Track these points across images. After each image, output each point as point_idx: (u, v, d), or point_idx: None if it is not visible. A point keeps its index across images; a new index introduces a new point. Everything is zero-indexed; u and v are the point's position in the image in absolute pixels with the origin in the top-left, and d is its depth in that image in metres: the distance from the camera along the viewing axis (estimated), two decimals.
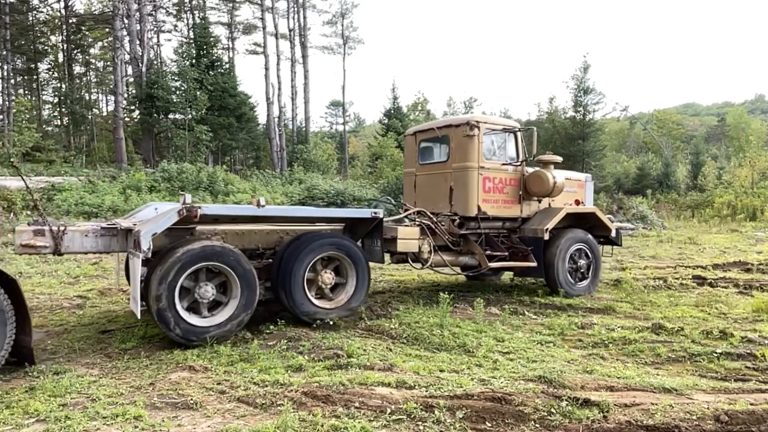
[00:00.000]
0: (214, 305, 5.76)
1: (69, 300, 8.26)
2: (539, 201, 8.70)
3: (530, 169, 8.61)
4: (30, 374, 4.82)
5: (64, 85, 41.85)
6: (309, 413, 3.89)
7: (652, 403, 4.08)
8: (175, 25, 45.60)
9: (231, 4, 43.76)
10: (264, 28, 39.46)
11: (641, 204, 25.00)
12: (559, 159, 8.55)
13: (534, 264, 8.15)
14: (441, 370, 4.93)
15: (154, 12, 38.41)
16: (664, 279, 9.87)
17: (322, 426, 3.67)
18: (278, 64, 38.61)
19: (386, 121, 43.87)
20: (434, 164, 8.78)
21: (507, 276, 10.32)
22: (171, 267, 5.31)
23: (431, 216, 7.90)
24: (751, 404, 4.07)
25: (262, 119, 39.93)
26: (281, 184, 26.26)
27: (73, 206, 16.77)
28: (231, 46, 45.63)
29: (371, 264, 7.08)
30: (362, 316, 6.90)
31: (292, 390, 4.35)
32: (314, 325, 6.50)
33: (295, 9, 40.55)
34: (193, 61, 31.64)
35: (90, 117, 40.68)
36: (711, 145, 55.10)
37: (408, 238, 7.33)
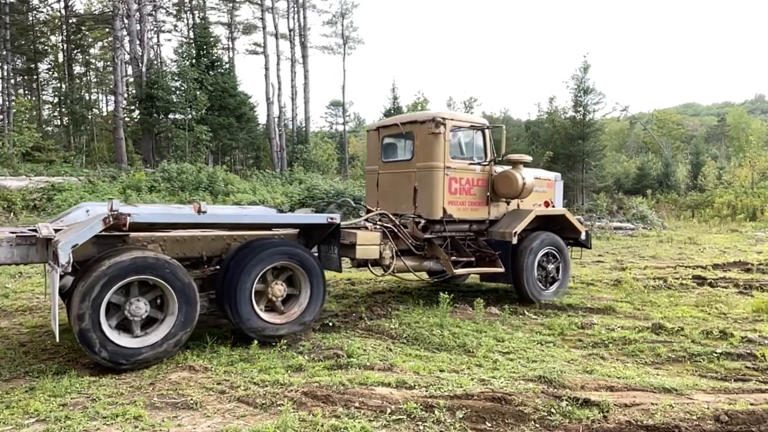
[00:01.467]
0: (149, 322, 5.15)
1: None
2: (508, 202, 8.30)
3: (499, 169, 8.17)
4: (30, 374, 4.82)
5: (64, 85, 41.84)
6: (309, 413, 3.89)
7: (652, 403, 4.08)
8: (175, 25, 45.61)
9: (231, 4, 43.76)
10: (264, 28, 39.47)
11: (641, 204, 25.00)
12: (529, 158, 8.19)
13: (501, 269, 7.74)
14: (441, 370, 4.93)
15: (154, 12, 38.41)
16: (664, 279, 9.86)
17: (322, 426, 3.67)
18: (278, 64, 38.63)
19: None
20: (398, 162, 8.25)
21: (473, 278, 10.29)
22: (95, 282, 4.69)
23: (393, 219, 7.41)
24: (751, 404, 4.07)
25: (262, 119, 39.96)
26: (281, 184, 26.27)
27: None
28: (231, 46, 45.63)
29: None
30: (362, 316, 6.91)
31: (292, 390, 4.36)
32: (314, 326, 6.51)
33: (295, 9, 40.57)
34: (193, 61, 31.63)
35: (90, 117, 40.67)
36: (711, 145, 55.11)
37: (368, 243, 6.82)
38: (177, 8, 43.56)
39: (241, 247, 5.81)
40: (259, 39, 42.15)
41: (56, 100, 41.28)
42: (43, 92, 43.81)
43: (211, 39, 34.15)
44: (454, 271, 7.49)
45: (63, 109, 39.80)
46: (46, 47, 41.88)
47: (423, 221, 7.59)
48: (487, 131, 7.99)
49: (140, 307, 5.01)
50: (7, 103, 33.07)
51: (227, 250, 5.92)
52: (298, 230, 6.60)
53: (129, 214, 4.89)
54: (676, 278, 9.88)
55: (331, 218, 6.23)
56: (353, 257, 6.86)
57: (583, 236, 8.81)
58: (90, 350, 4.71)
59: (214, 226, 5.94)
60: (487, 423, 3.82)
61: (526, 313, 7.45)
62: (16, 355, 5.37)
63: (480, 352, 5.52)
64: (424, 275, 8.68)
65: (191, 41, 34.89)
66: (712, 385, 4.64)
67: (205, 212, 5.52)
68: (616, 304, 7.84)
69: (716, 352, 5.46)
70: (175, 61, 35.12)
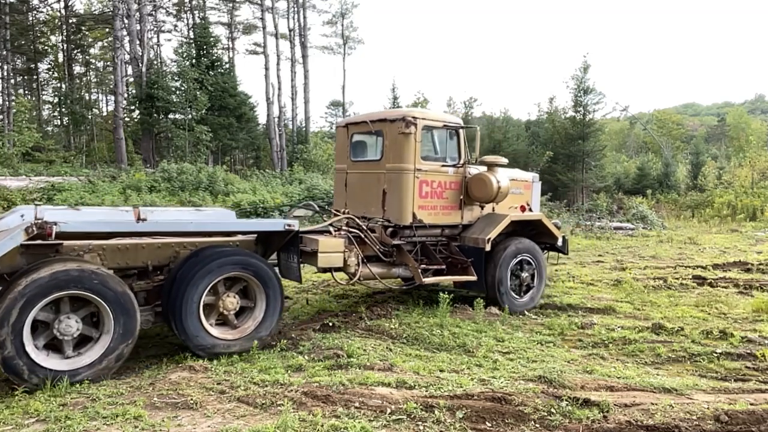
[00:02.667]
0: (85, 340, 4.73)
1: None
2: (482, 206, 7.89)
3: (473, 171, 7.75)
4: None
5: (64, 85, 41.85)
6: (309, 413, 3.89)
7: (652, 403, 4.08)
8: (175, 25, 45.60)
9: (231, 4, 43.75)
10: (264, 28, 39.44)
11: (641, 204, 24.99)
12: (505, 161, 7.81)
13: (474, 277, 7.34)
14: (441, 370, 4.94)
15: (154, 12, 38.43)
16: (664, 279, 9.86)
17: (322, 426, 3.67)
18: (278, 64, 38.60)
19: None
20: (367, 162, 7.82)
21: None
22: (12, 305, 4.26)
23: (360, 224, 6.98)
24: (751, 404, 4.07)
25: (262, 119, 39.93)
26: (281, 184, 26.26)
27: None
28: (231, 46, 45.62)
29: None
30: (362, 316, 6.91)
31: (292, 390, 4.36)
32: (315, 326, 6.51)
33: (295, 9, 40.55)
34: (193, 61, 31.62)
35: (90, 117, 40.66)
36: (711, 145, 55.11)
37: (331, 251, 6.37)
38: (177, 8, 43.57)
39: (189, 256, 5.35)
40: (259, 39, 42.16)
41: (56, 100, 41.28)
42: (43, 92, 43.86)
43: (211, 39, 34.13)
44: (423, 280, 7.09)
45: (63, 109, 39.81)
46: (46, 47, 41.89)
47: (392, 226, 7.21)
48: (461, 131, 7.61)
49: (70, 325, 4.57)
50: (7, 103, 33.07)
51: (176, 259, 5.42)
52: (255, 237, 6.12)
53: (55, 223, 4.47)
54: (676, 278, 9.88)
55: (289, 225, 5.75)
56: (315, 265, 6.44)
57: (560, 242, 8.47)
58: (19, 378, 4.34)
59: (162, 232, 5.44)
60: (487, 423, 3.82)
61: (526, 313, 7.45)
62: None
63: (480, 352, 5.52)
64: (394, 282, 8.28)
65: (191, 41, 34.90)
66: (712, 385, 4.65)
67: (144, 220, 5.23)
68: (616, 304, 7.84)
69: (716, 352, 5.46)
70: (175, 61, 35.14)
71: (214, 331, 5.35)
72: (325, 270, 6.68)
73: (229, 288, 5.51)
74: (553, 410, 3.97)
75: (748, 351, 5.46)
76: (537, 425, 3.80)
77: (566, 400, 4.11)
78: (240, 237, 6.02)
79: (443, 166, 7.48)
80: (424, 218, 7.27)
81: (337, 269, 6.64)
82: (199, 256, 5.31)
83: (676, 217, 25.50)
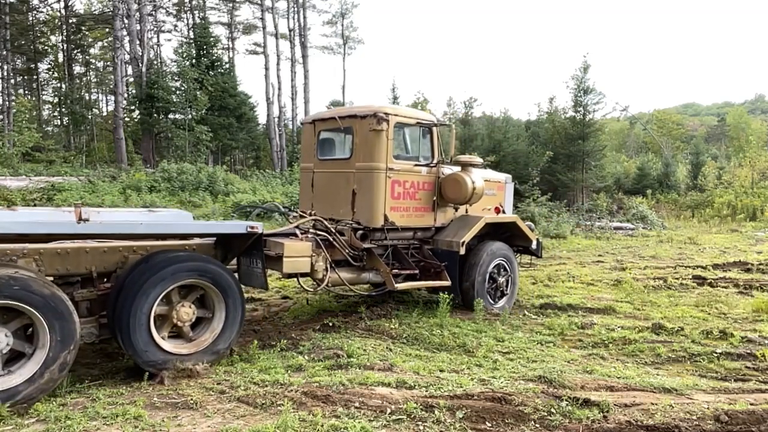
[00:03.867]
0: (19, 354, 4.23)
1: None
2: (456, 208, 7.60)
3: (447, 171, 7.45)
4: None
5: (64, 85, 41.86)
6: (309, 413, 3.89)
7: (652, 403, 4.08)
8: (175, 25, 45.61)
9: (231, 4, 43.75)
10: (264, 28, 39.45)
11: (641, 204, 24.98)
12: (480, 161, 7.59)
13: (447, 283, 7.08)
14: (441, 370, 4.94)
15: (154, 12, 38.43)
16: (664, 279, 9.86)
17: (322, 426, 3.67)
18: (278, 64, 38.60)
19: None
20: (336, 161, 7.41)
21: None
22: None
23: (329, 226, 6.58)
24: (751, 404, 4.07)
25: (262, 119, 39.94)
26: (281, 184, 26.25)
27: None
28: (231, 46, 45.62)
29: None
30: (362, 316, 6.91)
31: (292, 390, 4.36)
32: (315, 326, 6.51)
33: (295, 9, 40.54)
34: (193, 61, 31.63)
35: (90, 117, 40.66)
36: (711, 145, 55.07)
37: (297, 255, 5.91)
38: (177, 8, 43.58)
39: (139, 262, 4.81)
40: (259, 39, 42.16)
41: (56, 100, 41.32)
42: (43, 92, 43.88)
43: (211, 39, 34.14)
44: (396, 286, 6.73)
45: (63, 109, 39.83)
46: (46, 47, 41.89)
47: (362, 229, 6.82)
48: (435, 129, 7.28)
49: None
50: (7, 103, 33.08)
51: (124, 265, 4.89)
52: (214, 241, 5.61)
53: None
54: (676, 278, 9.88)
55: (252, 227, 5.27)
56: (280, 270, 5.98)
57: (534, 245, 8.20)
58: None
59: (110, 234, 4.89)
60: (487, 423, 3.82)
61: (526, 313, 7.45)
62: None
63: (480, 352, 5.52)
64: (364, 288, 7.91)
65: (191, 41, 34.91)
66: (712, 385, 4.65)
67: (86, 220, 4.81)
68: (616, 304, 7.84)
69: (716, 352, 5.46)
70: (175, 61, 35.12)
71: (167, 345, 4.79)
72: (290, 276, 6.27)
73: (184, 297, 4.96)
74: (553, 410, 3.97)
75: (748, 351, 5.47)
76: (537, 425, 3.80)
77: (566, 400, 4.12)
78: (197, 240, 5.49)
79: (416, 165, 7.12)
80: (396, 220, 6.92)
81: (304, 275, 6.22)
82: (149, 262, 4.75)
83: (676, 217, 25.50)
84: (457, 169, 7.42)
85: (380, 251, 6.97)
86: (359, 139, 6.90)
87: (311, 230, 6.52)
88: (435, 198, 7.32)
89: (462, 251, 7.10)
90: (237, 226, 5.44)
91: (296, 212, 7.38)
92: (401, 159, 7.05)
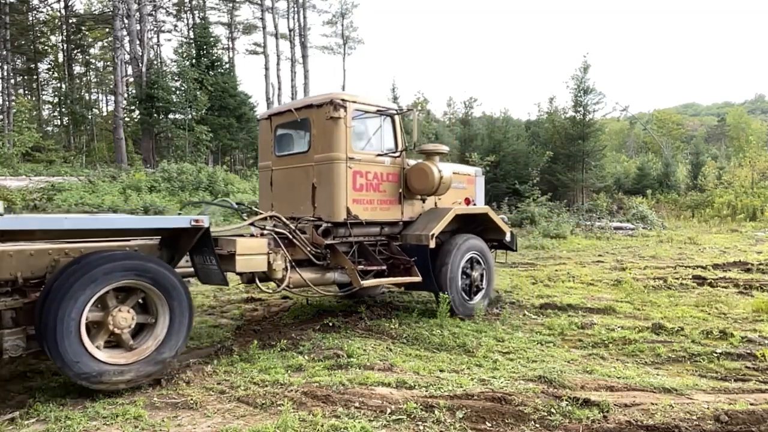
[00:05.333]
0: None
1: None
2: (423, 200, 7.27)
3: (412, 162, 7.13)
4: (29, 374, 4.82)
5: (64, 85, 41.88)
6: (309, 413, 3.89)
7: (652, 403, 4.08)
8: (175, 25, 45.68)
9: (231, 4, 43.79)
10: (264, 28, 39.53)
11: (641, 204, 25.00)
12: (446, 149, 7.21)
13: (418, 278, 6.72)
14: (441, 370, 4.94)
15: (154, 12, 38.46)
16: (664, 279, 9.86)
17: (322, 426, 3.67)
18: (278, 64, 38.67)
19: None
20: (294, 156, 7.01)
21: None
22: None
23: (287, 222, 6.17)
24: (751, 404, 4.07)
25: None
26: None
27: (73, 206, 16.77)
28: (231, 46, 45.66)
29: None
30: (362, 316, 6.91)
31: (292, 390, 4.36)
32: (315, 326, 6.50)
33: (295, 9, 40.59)
34: (193, 61, 31.65)
35: (90, 117, 40.69)
36: (711, 145, 55.08)
37: (251, 253, 5.50)
38: (177, 8, 43.62)
39: (69, 264, 4.32)
40: (259, 39, 42.20)
41: (56, 100, 41.33)
42: (43, 92, 43.90)
43: (211, 39, 34.16)
44: (362, 283, 6.31)
45: (63, 109, 39.83)
46: (46, 47, 41.92)
47: (324, 224, 6.45)
48: (397, 117, 6.94)
49: None
50: (7, 103, 33.08)
51: (55, 269, 4.40)
52: (159, 240, 5.13)
53: None
54: (676, 278, 9.88)
55: (197, 220, 4.82)
56: (233, 270, 5.50)
57: (507, 237, 7.90)
58: None
59: (33, 234, 4.41)
60: (487, 423, 3.82)
61: (526, 313, 7.45)
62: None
63: (480, 352, 5.52)
64: (332, 290, 7.58)
65: (191, 41, 34.92)
66: (712, 385, 4.64)
67: (1, 215, 4.37)
68: (616, 304, 7.83)
69: (716, 352, 5.46)
70: (175, 61, 35.14)
71: (102, 355, 4.29)
72: (250, 280, 5.89)
73: (122, 301, 4.48)
74: (553, 410, 3.97)
75: (748, 351, 5.46)
76: (537, 425, 3.80)
77: (566, 400, 4.11)
78: (139, 241, 4.97)
79: (379, 155, 6.75)
80: (360, 214, 6.53)
81: (264, 277, 5.84)
82: (80, 263, 4.27)
83: (676, 217, 25.51)
84: (423, 159, 7.13)
85: (345, 248, 6.59)
86: (317, 130, 6.54)
87: (268, 228, 6.09)
88: (401, 190, 6.99)
89: (432, 245, 6.75)
90: (180, 220, 4.92)
91: (252, 210, 6.83)
92: (363, 148, 6.68)
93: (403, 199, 7.02)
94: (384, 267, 6.66)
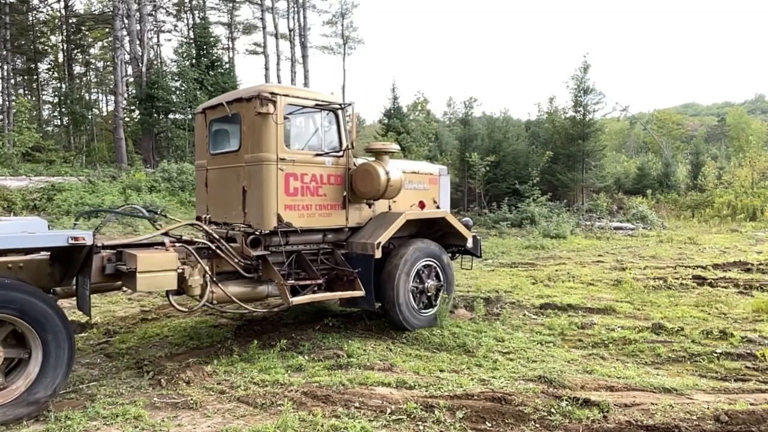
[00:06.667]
0: None
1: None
2: (370, 204, 6.55)
3: (359, 162, 6.45)
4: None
5: (64, 85, 41.87)
6: (309, 413, 3.89)
7: (652, 403, 4.08)
8: (175, 25, 45.62)
9: (231, 4, 43.77)
10: (264, 28, 39.51)
11: (641, 204, 24.99)
12: (396, 147, 6.58)
13: (361, 292, 6.01)
14: (441, 370, 4.94)
15: (154, 12, 38.46)
16: (664, 279, 9.86)
17: (322, 426, 3.68)
18: (278, 64, 38.65)
19: (386, 121, 43.87)
20: (226, 155, 6.25)
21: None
22: None
23: (209, 231, 5.54)
24: (751, 404, 4.07)
25: None
26: None
27: (73, 206, 16.77)
28: (231, 46, 45.62)
29: None
30: (362, 316, 6.90)
31: (292, 390, 4.36)
32: (315, 326, 6.50)
33: (295, 9, 40.57)
34: (193, 61, 31.64)
35: (90, 117, 40.68)
36: (711, 145, 55.05)
37: (156, 270, 4.69)
38: (177, 8, 43.60)
39: None
40: (259, 39, 42.19)
41: (56, 100, 41.32)
42: (43, 92, 43.86)
43: (211, 39, 34.13)
44: (291, 300, 5.60)
45: (63, 109, 39.83)
46: (46, 47, 41.89)
47: (254, 233, 5.76)
48: (339, 112, 6.25)
49: None
50: (7, 103, 33.09)
51: None
52: (49, 256, 4.55)
53: None
54: (676, 278, 9.88)
55: (74, 238, 4.09)
56: (134, 289, 4.70)
57: (470, 243, 7.34)
58: None
59: None
60: (487, 423, 3.82)
61: (526, 313, 7.45)
62: None
63: (480, 352, 5.52)
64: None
65: (191, 41, 34.89)
66: (712, 385, 4.65)
67: None
68: (616, 304, 7.83)
69: (716, 352, 5.46)
70: (175, 61, 35.13)
71: None
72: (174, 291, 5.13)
73: None
74: (553, 410, 3.97)
75: (748, 351, 5.46)
76: (537, 425, 3.80)
77: (566, 400, 4.11)
78: (23, 257, 4.37)
79: (318, 155, 6.04)
80: (294, 221, 5.83)
81: (175, 293, 5.12)
82: None
83: (676, 217, 25.50)
84: (371, 158, 6.55)
85: (279, 259, 5.88)
86: (246, 126, 5.82)
87: (184, 237, 5.41)
88: (345, 193, 6.29)
89: (378, 254, 6.09)
90: (54, 237, 4.20)
91: (165, 216, 6.21)
92: (298, 147, 6.05)
93: (348, 203, 6.34)
94: (321, 281, 5.98)
